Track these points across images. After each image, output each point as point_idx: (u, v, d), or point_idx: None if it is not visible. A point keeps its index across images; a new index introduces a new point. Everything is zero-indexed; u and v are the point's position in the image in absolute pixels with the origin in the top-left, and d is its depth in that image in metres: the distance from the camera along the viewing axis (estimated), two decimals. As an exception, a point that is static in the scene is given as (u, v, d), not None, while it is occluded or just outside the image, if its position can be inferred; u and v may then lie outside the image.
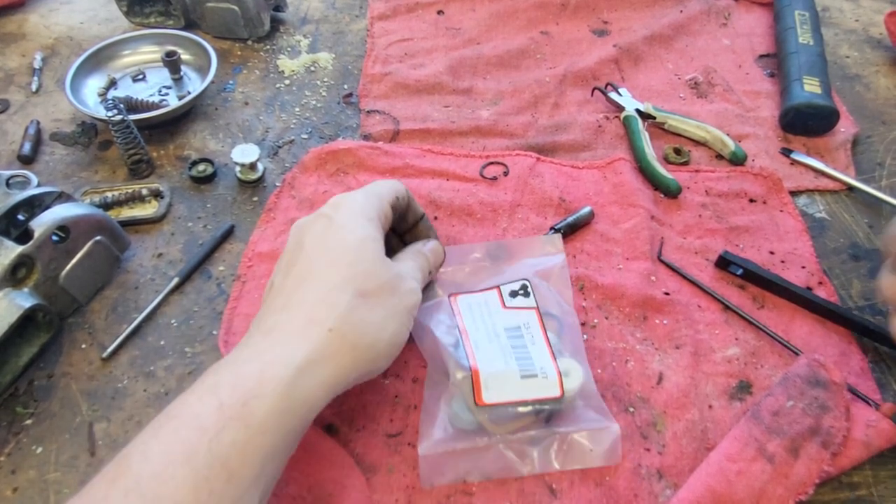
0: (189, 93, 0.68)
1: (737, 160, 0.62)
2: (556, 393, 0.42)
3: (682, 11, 0.80)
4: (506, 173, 0.61)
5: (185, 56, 0.72)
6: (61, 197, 0.51)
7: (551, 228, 0.55)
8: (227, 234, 0.57)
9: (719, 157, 0.64)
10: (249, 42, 0.78)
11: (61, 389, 0.47)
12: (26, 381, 0.48)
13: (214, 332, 0.50)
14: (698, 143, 0.65)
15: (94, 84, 0.69)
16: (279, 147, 0.66)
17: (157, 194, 0.60)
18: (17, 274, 0.46)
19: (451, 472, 0.41)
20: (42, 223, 0.48)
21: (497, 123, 0.67)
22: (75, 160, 0.64)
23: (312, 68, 0.75)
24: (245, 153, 0.60)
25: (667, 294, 0.51)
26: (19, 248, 0.46)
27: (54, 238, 0.48)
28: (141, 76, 0.72)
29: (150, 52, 0.73)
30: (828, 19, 0.82)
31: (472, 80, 0.72)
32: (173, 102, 0.66)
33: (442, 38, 0.78)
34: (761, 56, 0.75)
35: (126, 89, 0.70)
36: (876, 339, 0.49)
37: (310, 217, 0.42)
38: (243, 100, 0.71)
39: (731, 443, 0.41)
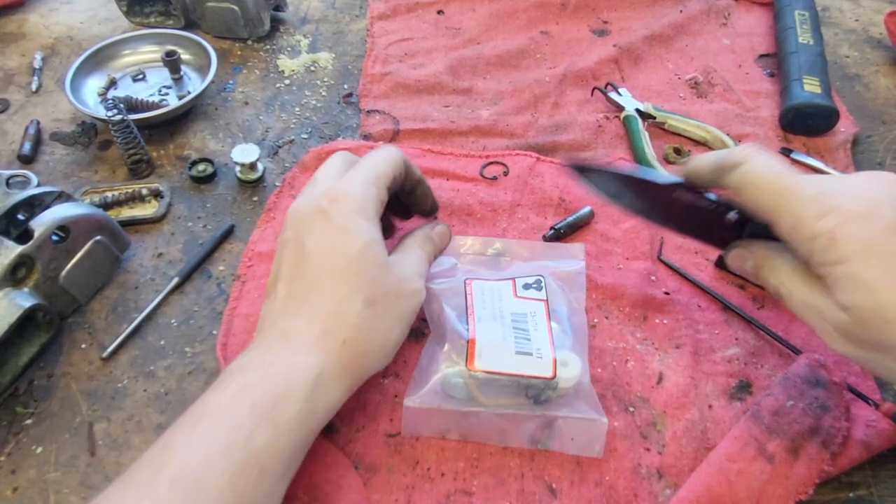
0: (189, 93, 0.68)
1: (737, 160, 0.62)
2: (548, 374, 0.42)
3: (682, 11, 0.80)
4: (506, 173, 0.61)
5: (185, 56, 0.72)
6: (61, 197, 0.51)
7: (551, 228, 0.55)
8: (227, 234, 0.57)
9: (719, 156, 0.64)
10: (249, 42, 0.78)
11: (61, 389, 0.47)
12: (26, 381, 0.48)
13: (214, 332, 0.50)
14: (698, 143, 0.65)
15: (94, 84, 0.69)
16: (279, 147, 0.66)
17: (157, 194, 0.60)
18: (17, 274, 0.46)
19: (433, 425, 0.43)
20: (42, 223, 0.48)
21: (497, 123, 0.67)
22: (75, 160, 0.64)
23: (312, 68, 0.75)
24: (245, 153, 0.60)
25: (667, 294, 0.52)
26: (19, 248, 0.46)
27: (54, 238, 0.48)
28: (141, 76, 0.72)
29: (150, 52, 0.73)
30: (828, 19, 0.82)
31: (472, 79, 0.72)
32: (173, 102, 0.67)
33: (442, 37, 0.78)
34: (761, 56, 0.75)
35: (126, 89, 0.70)
36: None
37: (306, 208, 0.42)
38: (243, 100, 0.71)
39: (731, 443, 0.41)
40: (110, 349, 0.49)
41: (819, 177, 0.39)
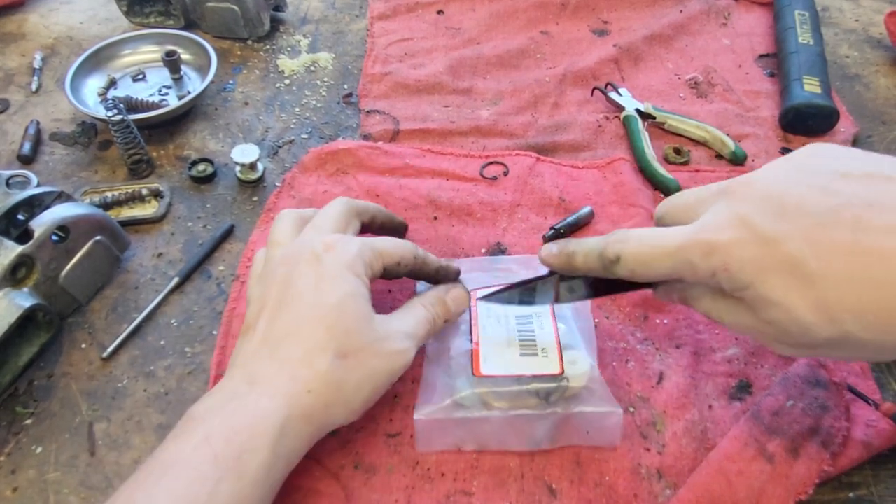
0: (189, 93, 0.68)
1: (737, 160, 0.62)
2: (556, 370, 0.42)
3: (682, 11, 0.80)
4: (506, 173, 0.61)
5: (185, 56, 0.72)
6: (61, 197, 0.51)
7: (551, 228, 0.55)
8: (227, 234, 0.57)
9: (719, 156, 0.64)
10: (249, 42, 0.78)
11: (61, 389, 0.47)
12: (26, 381, 0.48)
13: (214, 332, 0.50)
14: (698, 143, 0.65)
15: (94, 84, 0.69)
16: (279, 147, 0.66)
17: (157, 194, 0.60)
18: (17, 274, 0.46)
19: (448, 438, 0.42)
20: (42, 223, 0.48)
21: (497, 123, 0.67)
22: (75, 160, 0.64)
23: (312, 68, 0.75)
24: (245, 153, 0.60)
25: (667, 294, 0.51)
26: (19, 248, 0.46)
27: (54, 238, 0.48)
28: (141, 76, 0.72)
29: (150, 52, 0.73)
30: (828, 19, 0.82)
31: (472, 79, 0.72)
32: (173, 102, 0.67)
33: (442, 37, 0.78)
34: (761, 56, 0.75)
35: (126, 89, 0.70)
36: None
37: (302, 252, 0.41)
38: (243, 100, 0.71)
39: (731, 443, 0.41)
40: (110, 349, 0.49)
41: (690, 200, 0.39)
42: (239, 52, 0.77)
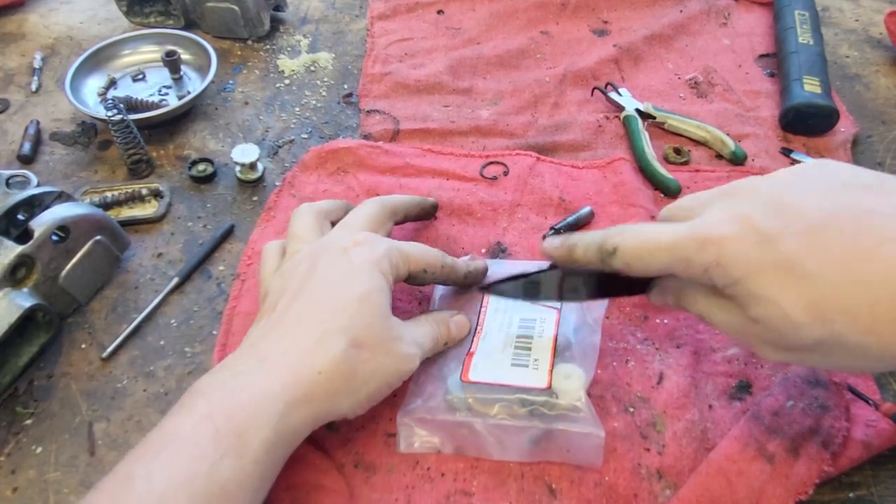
0: (189, 93, 0.68)
1: (737, 160, 0.62)
2: (542, 384, 0.42)
3: (682, 11, 0.80)
4: (506, 173, 0.61)
5: (185, 56, 0.72)
6: (61, 197, 0.51)
7: (551, 228, 0.55)
8: (227, 234, 0.57)
9: (719, 156, 0.64)
10: (249, 42, 0.78)
11: (61, 389, 0.47)
12: (26, 381, 0.48)
13: (214, 332, 0.50)
14: (698, 142, 0.65)
15: (93, 84, 0.69)
16: (279, 147, 0.66)
17: (156, 194, 0.60)
18: (16, 274, 0.46)
19: (426, 440, 0.43)
20: (42, 223, 0.48)
21: (497, 123, 0.67)
22: (75, 160, 0.64)
23: (312, 68, 0.75)
24: (245, 153, 0.60)
25: (667, 294, 0.51)
26: (19, 248, 0.46)
27: (54, 238, 0.48)
28: (141, 76, 0.72)
29: (150, 52, 0.73)
30: (828, 19, 0.82)
31: (472, 79, 0.72)
32: (173, 102, 0.67)
33: (442, 37, 0.78)
34: (761, 56, 0.75)
35: (126, 89, 0.70)
36: None
37: (329, 247, 0.42)
38: (243, 99, 0.71)
39: (731, 443, 0.41)
40: (110, 349, 0.49)
41: (693, 203, 0.39)
42: (239, 52, 0.77)
